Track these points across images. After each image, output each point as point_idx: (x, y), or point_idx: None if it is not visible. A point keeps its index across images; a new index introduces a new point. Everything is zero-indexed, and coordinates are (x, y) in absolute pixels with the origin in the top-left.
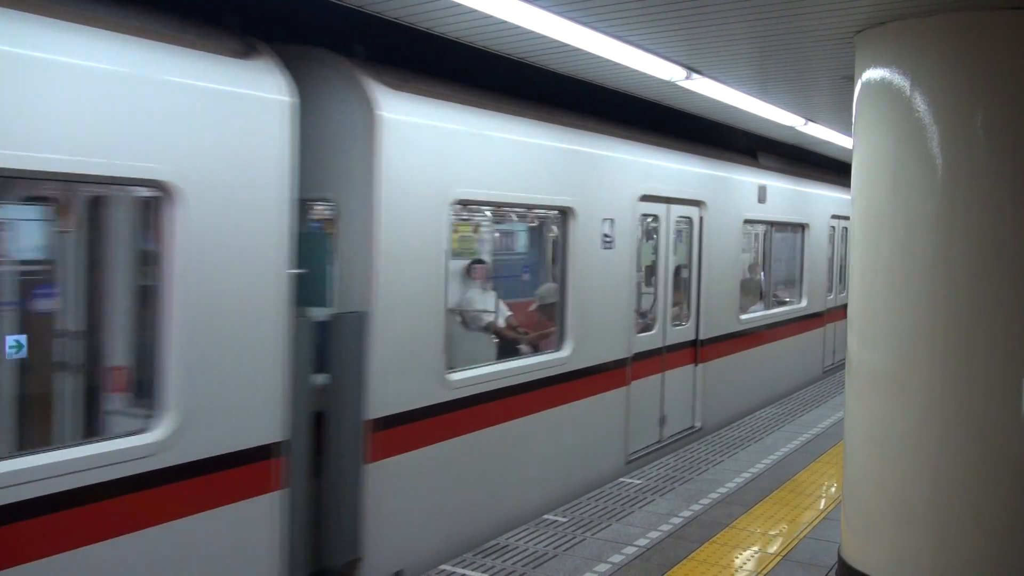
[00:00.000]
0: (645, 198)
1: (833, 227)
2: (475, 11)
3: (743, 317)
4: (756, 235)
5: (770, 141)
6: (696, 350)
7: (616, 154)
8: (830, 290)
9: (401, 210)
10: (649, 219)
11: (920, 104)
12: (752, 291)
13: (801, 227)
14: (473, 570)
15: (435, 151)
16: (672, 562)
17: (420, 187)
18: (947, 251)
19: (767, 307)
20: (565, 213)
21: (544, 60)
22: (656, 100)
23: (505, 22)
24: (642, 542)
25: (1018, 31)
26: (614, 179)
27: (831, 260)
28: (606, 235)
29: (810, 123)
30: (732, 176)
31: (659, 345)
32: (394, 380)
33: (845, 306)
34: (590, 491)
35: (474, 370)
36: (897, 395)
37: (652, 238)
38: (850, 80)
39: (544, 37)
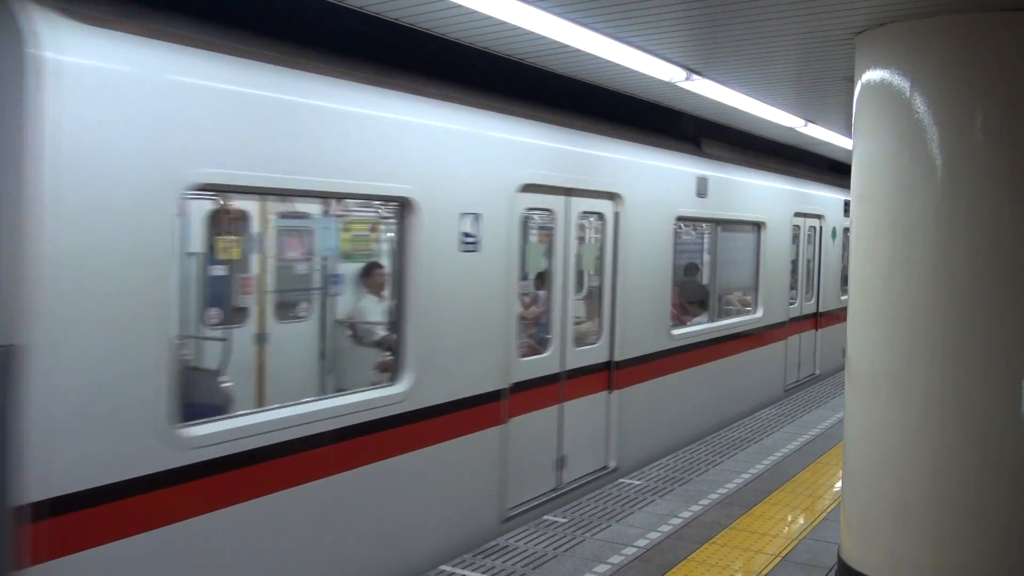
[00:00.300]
0: (530, 188)
1: (798, 226)
2: (475, 12)
3: (677, 332)
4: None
5: (720, 127)
6: (611, 374)
7: (481, 130)
8: (794, 298)
9: (89, 197)
10: (540, 215)
11: (920, 105)
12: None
13: (756, 226)
14: (473, 570)
15: (163, 114)
16: (672, 563)
17: (129, 164)
18: (947, 252)
19: (712, 319)
20: (402, 205)
21: (545, 61)
22: (655, 101)
23: (505, 23)
24: (642, 543)
25: (1018, 33)
26: (479, 163)
27: (796, 264)
28: (467, 234)
29: (810, 124)
30: (661, 165)
31: (556, 370)
32: (75, 443)
33: (814, 315)
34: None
35: (232, 421)
36: (897, 396)
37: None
38: (850, 81)
39: (545, 38)
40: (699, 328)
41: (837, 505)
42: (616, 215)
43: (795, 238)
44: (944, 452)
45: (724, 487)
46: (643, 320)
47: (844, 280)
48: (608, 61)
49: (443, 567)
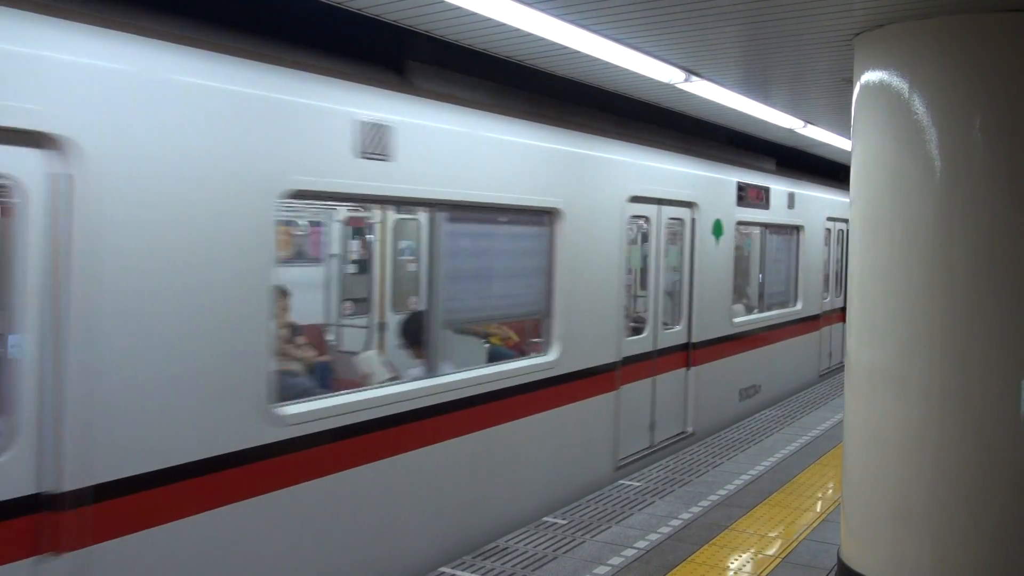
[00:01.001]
0: None
1: (645, 217)
2: (475, 14)
3: (296, 411)
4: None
5: (464, 51)
6: (39, 525)
7: None
8: (638, 327)
9: None
10: None
11: (919, 106)
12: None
13: (543, 215)
14: (472, 572)
15: None
16: (671, 564)
17: None
18: (946, 252)
19: (432, 371)
20: None
21: (545, 63)
22: (655, 102)
23: (504, 24)
24: (641, 544)
25: (1017, 33)
26: None
27: (645, 273)
28: None
29: (809, 125)
30: (243, 91)
31: None
32: None
33: (683, 348)
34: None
35: None
36: (896, 396)
37: None
38: (849, 82)
39: (545, 40)
40: (368, 397)
41: (837, 506)
42: (59, 181)
43: (632, 237)
44: (944, 452)
45: (724, 488)
46: (175, 398)
47: (761, 293)
48: (605, 62)
49: (442, 568)
